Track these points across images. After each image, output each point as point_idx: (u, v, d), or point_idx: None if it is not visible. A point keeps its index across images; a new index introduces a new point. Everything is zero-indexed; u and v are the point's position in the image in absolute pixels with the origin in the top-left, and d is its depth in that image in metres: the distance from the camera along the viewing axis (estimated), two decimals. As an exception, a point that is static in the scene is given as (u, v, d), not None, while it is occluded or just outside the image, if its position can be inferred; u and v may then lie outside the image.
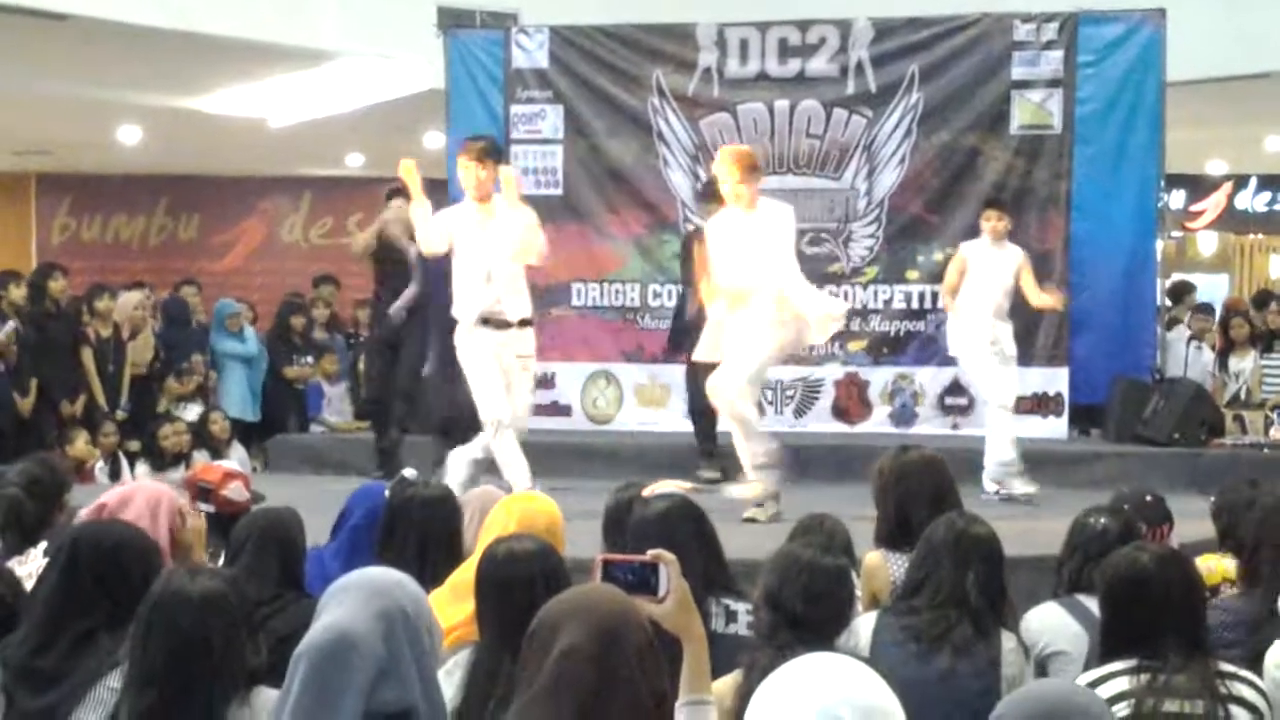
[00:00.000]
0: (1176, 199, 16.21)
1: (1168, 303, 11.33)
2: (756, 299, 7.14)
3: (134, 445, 9.82)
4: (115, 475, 9.27)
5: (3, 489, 4.84)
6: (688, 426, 9.08)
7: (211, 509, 4.97)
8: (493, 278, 7.17)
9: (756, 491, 7.18)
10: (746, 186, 7.16)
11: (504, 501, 4.23)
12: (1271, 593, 3.90)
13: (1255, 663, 3.42)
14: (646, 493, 4.36)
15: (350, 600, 2.57)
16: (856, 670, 2.06)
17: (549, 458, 8.28)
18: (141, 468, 9.46)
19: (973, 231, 9.70)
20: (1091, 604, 3.83)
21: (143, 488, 4.40)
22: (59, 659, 3.30)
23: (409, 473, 7.47)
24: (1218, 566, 4.52)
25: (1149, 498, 4.80)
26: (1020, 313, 8.54)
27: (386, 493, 4.62)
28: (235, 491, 5.07)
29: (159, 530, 4.08)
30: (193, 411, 10.42)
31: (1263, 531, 4.09)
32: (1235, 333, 10.90)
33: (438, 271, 8.00)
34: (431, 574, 3.94)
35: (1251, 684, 3.24)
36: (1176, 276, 13.66)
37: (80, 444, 9.12)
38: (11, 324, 9.41)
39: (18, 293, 9.66)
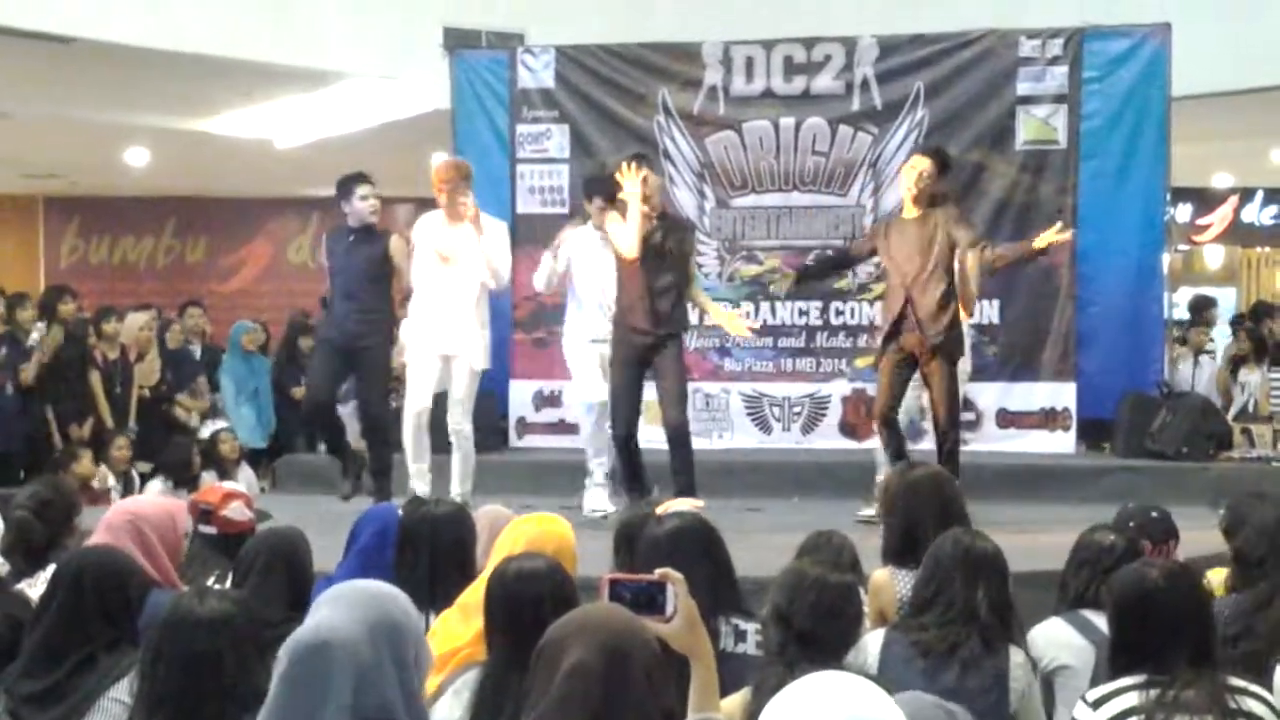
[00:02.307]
0: (1183, 212, 16.19)
1: (1184, 317, 11.27)
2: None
3: (144, 466, 9.82)
4: (128, 493, 9.22)
5: (12, 511, 4.86)
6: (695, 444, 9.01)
7: (213, 530, 4.95)
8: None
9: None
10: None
11: (515, 523, 4.22)
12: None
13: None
14: (659, 511, 4.35)
15: (339, 605, 2.53)
16: (864, 688, 2.05)
17: (556, 475, 8.29)
18: (155, 484, 9.45)
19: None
20: (1096, 619, 3.83)
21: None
22: (61, 679, 3.35)
23: (421, 490, 7.47)
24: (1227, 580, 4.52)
25: (1154, 514, 4.78)
26: (1027, 327, 8.46)
27: (400, 511, 4.60)
28: (236, 511, 5.02)
29: (149, 547, 4.15)
30: (207, 429, 10.41)
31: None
32: (1240, 346, 10.86)
33: None
34: (444, 593, 3.91)
35: (1261, 698, 3.23)
36: (1192, 292, 13.59)
37: (85, 462, 9.10)
38: (39, 333, 9.51)
39: (28, 315, 9.69)
